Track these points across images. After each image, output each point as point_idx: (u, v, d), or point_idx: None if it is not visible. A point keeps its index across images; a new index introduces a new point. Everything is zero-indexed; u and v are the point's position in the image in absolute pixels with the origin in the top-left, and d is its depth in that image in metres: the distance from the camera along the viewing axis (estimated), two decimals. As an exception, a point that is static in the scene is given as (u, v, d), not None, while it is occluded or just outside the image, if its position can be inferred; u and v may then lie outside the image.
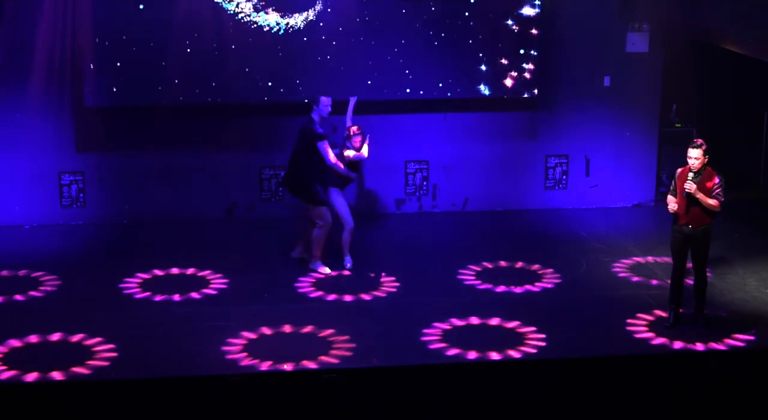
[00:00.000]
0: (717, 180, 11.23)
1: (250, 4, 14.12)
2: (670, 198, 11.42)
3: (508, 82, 14.87)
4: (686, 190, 11.13)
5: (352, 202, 15.18)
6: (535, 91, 15.03)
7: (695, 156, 11.18)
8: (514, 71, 14.85)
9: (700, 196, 11.14)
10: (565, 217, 15.23)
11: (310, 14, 14.37)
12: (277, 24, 14.23)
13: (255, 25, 14.22)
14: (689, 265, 11.65)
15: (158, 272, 13.08)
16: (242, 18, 14.16)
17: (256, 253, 13.62)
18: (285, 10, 14.26)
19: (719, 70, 16.71)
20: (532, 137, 15.45)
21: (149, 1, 13.99)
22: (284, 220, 14.86)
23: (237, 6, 14.09)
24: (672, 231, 11.49)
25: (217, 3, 14.08)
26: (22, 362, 10.83)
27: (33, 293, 12.51)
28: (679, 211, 11.30)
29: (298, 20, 14.33)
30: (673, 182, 11.42)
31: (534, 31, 14.79)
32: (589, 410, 8.33)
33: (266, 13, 14.16)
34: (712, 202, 11.19)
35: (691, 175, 11.18)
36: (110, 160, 14.71)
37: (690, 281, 11.77)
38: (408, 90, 14.71)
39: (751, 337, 11.41)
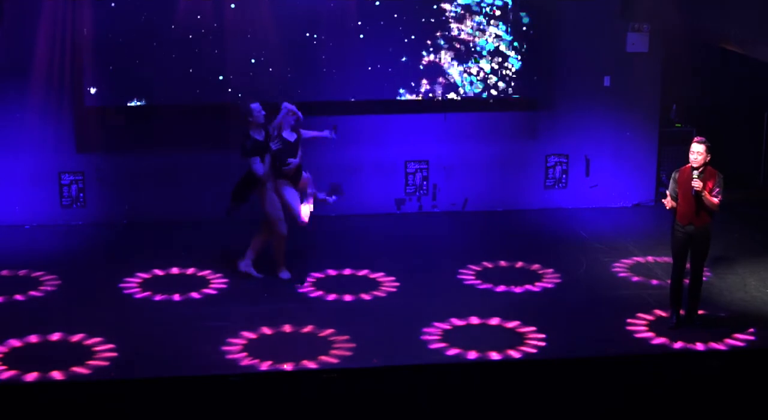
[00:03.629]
0: (717, 179, 11.24)
1: None
2: (665, 200, 11.40)
3: (509, 82, 14.87)
4: (695, 188, 11.10)
5: (355, 202, 15.22)
6: (535, 90, 15.04)
7: (699, 151, 11.16)
8: (514, 71, 14.85)
9: (705, 193, 11.14)
10: (565, 217, 15.23)
11: (310, 13, 14.39)
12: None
13: (254, 26, 14.25)
14: (687, 265, 11.64)
15: (158, 272, 13.08)
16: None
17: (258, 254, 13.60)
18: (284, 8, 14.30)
19: (719, 70, 16.70)
20: (532, 137, 15.45)
21: (149, 1, 14.01)
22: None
23: None
24: (673, 231, 11.48)
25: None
26: (22, 362, 10.83)
27: (33, 293, 12.51)
28: (684, 210, 11.27)
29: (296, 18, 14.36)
30: (672, 184, 11.37)
31: (534, 31, 14.79)
32: (589, 410, 8.32)
33: None
34: (715, 200, 11.19)
35: (695, 173, 11.15)
36: (110, 160, 14.72)
37: (687, 281, 11.75)
38: (408, 90, 14.71)
39: (751, 337, 11.41)
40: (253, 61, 14.36)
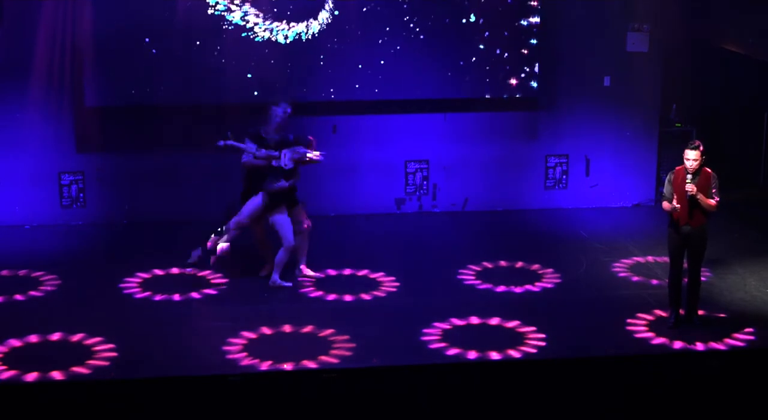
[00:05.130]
0: (713, 180, 11.24)
1: (252, 13, 14.18)
2: (664, 203, 11.37)
3: (509, 82, 14.87)
4: (689, 192, 11.12)
5: (355, 202, 15.24)
6: (535, 90, 15.04)
7: (693, 157, 11.17)
8: (515, 71, 14.86)
9: (700, 196, 11.14)
10: (565, 217, 15.23)
11: (310, 14, 14.39)
12: (278, 31, 14.25)
13: (255, 25, 14.26)
14: (685, 265, 11.64)
15: (158, 272, 13.08)
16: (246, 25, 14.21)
17: (256, 253, 13.61)
18: (286, 13, 14.29)
19: (719, 70, 16.71)
20: (532, 137, 15.45)
21: (149, 1, 14.01)
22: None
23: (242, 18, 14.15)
24: (669, 232, 11.49)
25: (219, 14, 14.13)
26: (22, 362, 10.83)
27: (33, 293, 12.51)
28: (679, 211, 11.28)
29: (299, 23, 14.36)
30: (667, 185, 11.37)
31: (534, 31, 14.79)
32: (589, 410, 8.33)
33: (266, 19, 14.20)
34: (711, 202, 11.20)
35: (689, 176, 11.17)
36: (110, 160, 14.71)
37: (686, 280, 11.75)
38: (408, 90, 14.72)
39: (751, 337, 11.41)
40: (252, 66, 14.37)
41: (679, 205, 11.24)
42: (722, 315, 11.95)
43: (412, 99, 14.88)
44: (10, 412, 8.17)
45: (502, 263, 13.47)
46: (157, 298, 12.39)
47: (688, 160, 11.18)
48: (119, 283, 12.74)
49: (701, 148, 11.21)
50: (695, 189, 11.11)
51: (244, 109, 14.66)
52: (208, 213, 14.84)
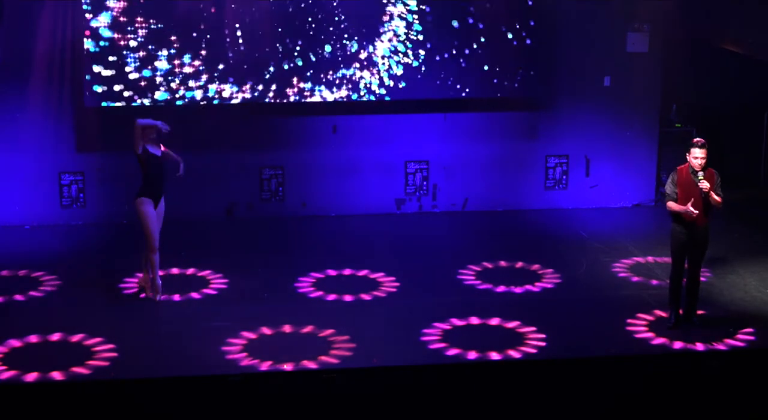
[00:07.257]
0: (717, 178, 11.26)
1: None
2: (673, 204, 11.31)
3: (509, 82, 14.86)
4: (704, 190, 11.11)
5: (355, 202, 15.24)
6: (535, 90, 15.04)
7: (702, 155, 11.16)
8: (514, 71, 14.85)
9: (711, 193, 11.15)
10: (565, 217, 15.23)
11: (311, 14, 14.40)
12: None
13: (255, 24, 14.26)
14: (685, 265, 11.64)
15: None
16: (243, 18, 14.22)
17: (256, 253, 13.61)
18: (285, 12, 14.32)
19: (719, 70, 16.71)
20: (532, 137, 15.45)
21: (149, 0, 14.02)
22: (284, 220, 14.88)
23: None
24: (674, 231, 11.44)
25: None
26: (22, 362, 10.83)
27: (33, 293, 12.50)
28: (695, 211, 11.23)
29: (297, 18, 14.38)
30: (671, 185, 11.35)
31: (534, 32, 14.79)
32: (589, 410, 8.34)
33: None
34: (720, 199, 11.22)
35: (700, 174, 11.16)
36: (110, 160, 14.70)
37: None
38: (408, 90, 14.72)
39: (751, 338, 11.41)
40: (255, 59, 14.37)
41: (696, 212, 11.17)
42: (722, 315, 11.95)
43: (412, 99, 14.88)
44: (10, 412, 8.17)
45: (502, 263, 13.46)
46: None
47: (696, 158, 11.17)
48: (119, 283, 12.74)
49: (706, 146, 11.23)
50: (708, 186, 11.12)
51: (244, 109, 14.67)
52: (207, 213, 14.87)
